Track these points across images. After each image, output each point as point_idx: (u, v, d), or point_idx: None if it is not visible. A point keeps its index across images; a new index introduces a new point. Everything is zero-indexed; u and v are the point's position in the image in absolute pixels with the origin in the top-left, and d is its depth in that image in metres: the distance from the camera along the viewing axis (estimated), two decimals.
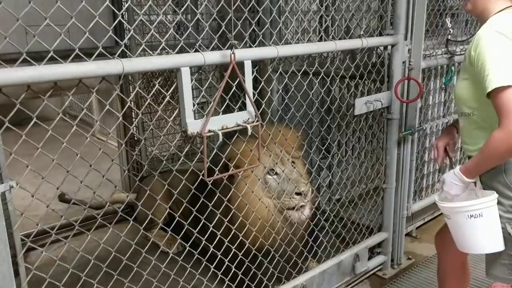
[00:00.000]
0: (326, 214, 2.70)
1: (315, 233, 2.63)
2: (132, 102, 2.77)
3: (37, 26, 1.38)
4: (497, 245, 1.74)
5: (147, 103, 1.66)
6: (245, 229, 2.22)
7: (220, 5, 2.20)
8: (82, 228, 1.99)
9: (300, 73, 2.23)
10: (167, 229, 2.63)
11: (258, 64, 2.97)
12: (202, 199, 2.04)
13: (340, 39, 2.43)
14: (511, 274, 1.80)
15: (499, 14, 1.73)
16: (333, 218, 2.75)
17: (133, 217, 1.93)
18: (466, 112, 1.83)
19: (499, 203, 1.72)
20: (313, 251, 2.57)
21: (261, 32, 2.08)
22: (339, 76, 2.58)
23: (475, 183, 1.81)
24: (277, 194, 2.38)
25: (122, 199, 3.19)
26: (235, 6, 1.81)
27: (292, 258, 2.45)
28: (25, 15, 1.32)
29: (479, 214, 1.68)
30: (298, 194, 2.35)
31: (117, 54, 1.61)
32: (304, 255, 2.53)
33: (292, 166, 2.45)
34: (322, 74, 2.41)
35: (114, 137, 3.52)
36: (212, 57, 1.77)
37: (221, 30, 1.90)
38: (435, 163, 2.11)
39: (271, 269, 2.33)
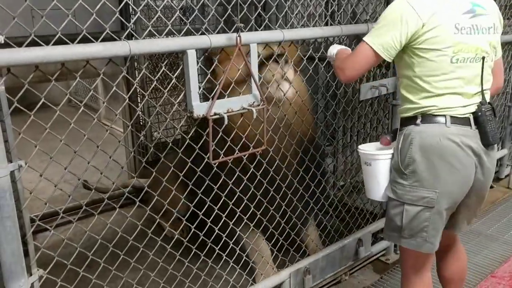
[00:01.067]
0: (330, 199, 2.71)
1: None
2: (138, 86, 2.78)
3: (43, 9, 1.40)
4: (378, 195, 1.96)
5: (153, 85, 1.67)
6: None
7: None
8: (90, 210, 2.01)
9: (306, 57, 2.23)
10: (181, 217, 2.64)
11: None
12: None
13: (346, 24, 2.44)
14: (389, 233, 1.94)
15: None
16: (337, 204, 2.77)
17: (139, 199, 1.94)
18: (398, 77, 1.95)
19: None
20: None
21: (267, 16, 2.08)
22: None
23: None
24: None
25: (141, 186, 3.21)
26: None
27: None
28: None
29: (369, 163, 1.95)
30: (274, 62, 2.18)
31: (123, 37, 1.62)
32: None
33: None
34: (327, 59, 2.40)
35: (120, 118, 3.53)
36: (218, 39, 1.77)
37: (226, 15, 1.90)
38: None
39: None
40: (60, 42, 1.41)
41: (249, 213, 2.23)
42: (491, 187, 3.39)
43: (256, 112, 1.91)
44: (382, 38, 1.73)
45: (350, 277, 2.74)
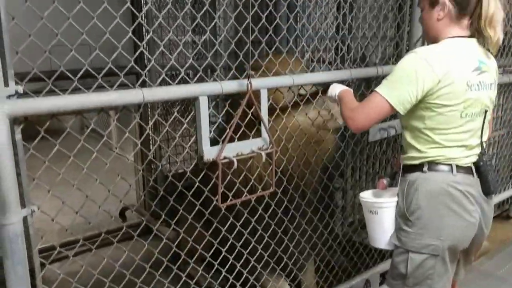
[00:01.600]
0: (338, 238, 2.70)
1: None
2: (151, 129, 2.83)
3: (60, 46, 1.45)
4: (384, 243, 1.94)
5: (165, 130, 1.71)
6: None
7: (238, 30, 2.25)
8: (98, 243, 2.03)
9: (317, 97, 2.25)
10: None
11: None
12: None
13: (356, 65, 2.47)
14: (392, 281, 1.93)
15: (447, 39, 1.78)
16: (345, 243, 2.76)
17: (151, 237, 1.96)
18: (402, 127, 1.93)
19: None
20: None
21: (278, 39, 2.15)
22: None
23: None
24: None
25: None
26: (252, 37, 1.87)
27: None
28: (51, 36, 1.39)
29: (375, 212, 1.92)
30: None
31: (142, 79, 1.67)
32: None
33: None
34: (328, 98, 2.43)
35: (131, 159, 3.58)
36: (230, 86, 1.81)
37: (238, 61, 1.95)
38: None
39: None
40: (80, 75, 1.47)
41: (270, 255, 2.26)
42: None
43: (265, 155, 1.95)
44: (398, 91, 1.72)
45: None
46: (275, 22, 2.10)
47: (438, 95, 1.71)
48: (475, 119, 1.80)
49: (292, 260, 2.42)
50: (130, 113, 1.74)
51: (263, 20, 1.97)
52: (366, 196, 2.02)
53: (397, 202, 1.89)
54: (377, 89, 1.76)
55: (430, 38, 1.86)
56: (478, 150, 1.85)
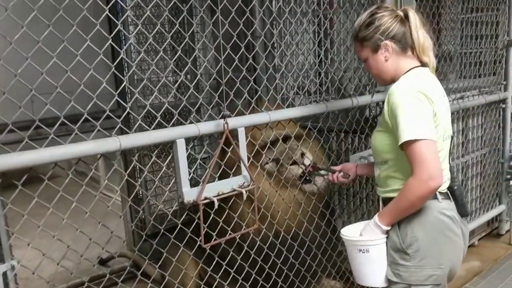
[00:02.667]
0: (327, 270, 2.69)
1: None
2: (137, 170, 2.84)
3: (43, 94, 1.48)
4: (378, 281, 1.87)
5: (144, 175, 1.73)
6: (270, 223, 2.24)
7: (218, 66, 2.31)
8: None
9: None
10: None
11: None
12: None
13: (334, 95, 2.53)
14: None
15: (409, 72, 1.83)
16: (335, 274, 2.75)
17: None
18: (379, 162, 1.91)
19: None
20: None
21: (260, 89, 2.24)
22: (333, 132, 2.65)
23: None
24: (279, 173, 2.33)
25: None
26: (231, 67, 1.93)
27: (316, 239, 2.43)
28: (32, 83, 1.42)
29: (367, 250, 1.85)
30: (292, 164, 2.30)
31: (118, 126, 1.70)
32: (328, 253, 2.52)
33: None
34: (315, 130, 2.48)
35: (117, 200, 3.57)
36: (206, 127, 1.85)
37: (214, 102, 2.00)
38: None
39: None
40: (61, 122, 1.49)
41: None
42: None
43: (246, 193, 1.97)
44: (424, 124, 1.68)
45: None
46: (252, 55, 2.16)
47: (434, 120, 1.75)
48: (447, 143, 1.86)
49: None
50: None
51: (237, 58, 2.02)
52: (349, 234, 1.95)
53: (387, 236, 1.85)
54: (407, 137, 1.67)
55: (387, 80, 1.90)
56: (449, 175, 1.89)
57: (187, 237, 1.94)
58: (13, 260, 1.44)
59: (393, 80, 1.87)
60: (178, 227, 1.91)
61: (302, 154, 2.34)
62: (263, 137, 2.22)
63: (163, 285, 1.98)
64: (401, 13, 1.85)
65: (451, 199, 1.86)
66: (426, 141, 1.66)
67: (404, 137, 1.67)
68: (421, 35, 1.83)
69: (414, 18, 1.84)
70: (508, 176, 3.94)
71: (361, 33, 1.85)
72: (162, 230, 1.89)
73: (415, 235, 1.79)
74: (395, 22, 1.82)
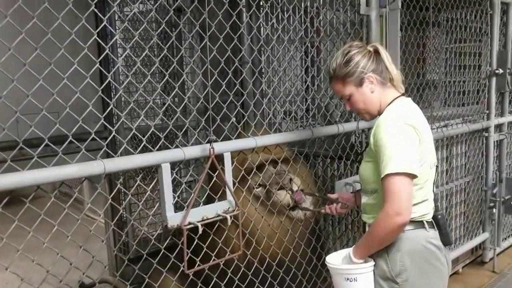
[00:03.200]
0: None
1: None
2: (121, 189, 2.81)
3: (28, 114, 1.47)
4: None
5: (128, 198, 1.71)
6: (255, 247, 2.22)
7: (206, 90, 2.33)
8: None
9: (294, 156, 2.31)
10: None
11: None
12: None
13: (320, 121, 2.56)
14: None
15: (393, 103, 1.87)
16: None
17: None
18: (368, 191, 1.92)
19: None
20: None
21: (247, 114, 2.27)
22: (319, 157, 2.66)
23: None
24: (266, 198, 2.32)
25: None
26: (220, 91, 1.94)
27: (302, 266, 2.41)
28: (17, 104, 1.41)
29: (354, 279, 1.82)
30: (278, 189, 2.28)
31: (107, 140, 1.69)
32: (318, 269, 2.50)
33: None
34: (301, 156, 2.50)
35: (101, 222, 3.52)
36: (192, 152, 1.85)
37: (200, 126, 2.00)
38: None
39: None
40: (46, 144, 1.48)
41: None
42: None
43: (231, 218, 1.95)
44: (407, 158, 1.69)
45: None
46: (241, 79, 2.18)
47: (421, 150, 1.77)
48: (433, 172, 1.88)
49: None
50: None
51: (224, 83, 2.04)
52: (335, 262, 1.94)
53: (375, 265, 1.85)
54: (387, 171, 1.69)
55: (373, 113, 1.92)
56: (432, 204, 1.91)
57: (170, 262, 1.91)
58: None
59: (379, 113, 1.89)
60: (162, 252, 1.89)
61: (290, 180, 2.34)
62: (249, 162, 2.22)
63: None
64: (371, 49, 1.89)
65: (435, 228, 1.88)
66: (403, 177, 1.68)
67: (386, 171, 1.70)
68: (394, 68, 1.90)
69: (385, 53, 1.90)
70: (491, 204, 3.98)
71: (342, 71, 1.87)
72: (145, 255, 1.85)
73: (404, 263, 1.79)
74: (370, 57, 1.87)
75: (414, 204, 1.79)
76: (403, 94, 1.92)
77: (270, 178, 2.30)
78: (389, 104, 1.87)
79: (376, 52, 1.88)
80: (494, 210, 3.98)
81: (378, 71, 1.86)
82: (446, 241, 1.90)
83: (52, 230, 1.54)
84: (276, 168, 2.33)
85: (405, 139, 1.72)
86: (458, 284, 3.71)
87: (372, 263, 1.85)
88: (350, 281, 1.83)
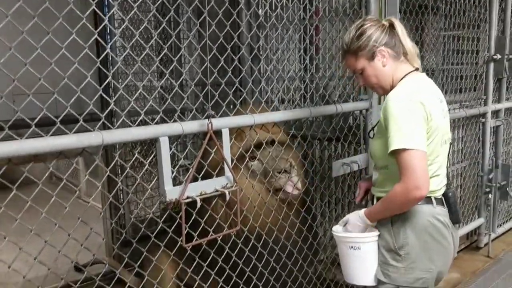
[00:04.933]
0: (308, 276, 2.68)
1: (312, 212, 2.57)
2: (118, 163, 2.80)
3: (22, 94, 1.45)
4: (368, 279, 1.88)
5: (126, 172, 1.71)
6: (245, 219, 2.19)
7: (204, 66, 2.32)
8: None
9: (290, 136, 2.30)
10: None
11: None
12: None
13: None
14: None
15: (405, 78, 1.87)
16: (315, 280, 2.74)
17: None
18: (380, 166, 1.94)
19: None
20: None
21: (245, 91, 2.25)
22: (317, 139, 2.66)
23: None
24: (264, 176, 2.34)
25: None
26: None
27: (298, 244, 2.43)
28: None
29: (358, 247, 1.86)
30: (279, 172, 2.31)
31: (101, 121, 1.68)
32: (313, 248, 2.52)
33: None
34: (299, 137, 2.49)
35: (102, 190, 3.51)
36: (190, 126, 1.84)
37: (199, 102, 2.00)
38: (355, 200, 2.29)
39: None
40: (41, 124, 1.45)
41: None
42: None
43: (230, 194, 1.95)
44: (414, 133, 1.70)
45: None
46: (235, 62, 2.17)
47: (430, 126, 1.77)
48: (446, 147, 1.88)
49: None
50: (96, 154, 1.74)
51: (222, 61, 2.02)
52: (340, 230, 1.96)
53: (379, 235, 1.87)
54: (397, 146, 1.70)
55: (386, 87, 1.90)
56: (445, 181, 1.92)
57: (168, 237, 1.92)
58: None
59: (391, 87, 1.89)
60: (159, 227, 1.89)
61: (291, 165, 2.35)
62: (247, 140, 2.22)
63: (141, 286, 1.93)
64: (386, 23, 1.89)
65: (445, 205, 1.88)
66: (414, 151, 1.68)
67: (393, 146, 1.71)
68: (409, 42, 1.89)
69: (400, 26, 1.89)
70: (487, 190, 4.01)
71: (354, 45, 1.87)
72: (141, 232, 1.86)
73: (407, 237, 1.81)
74: (384, 31, 1.86)
75: None
76: (417, 69, 1.91)
77: (266, 157, 2.30)
78: (401, 79, 1.86)
79: (391, 26, 1.88)
80: (489, 195, 4.01)
81: (391, 44, 1.86)
82: (455, 219, 1.90)
83: (50, 214, 1.52)
84: (272, 148, 2.33)
85: (411, 115, 1.72)
86: (453, 269, 3.73)
87: (376, 233, 1.87)
88: (354, 249, 1.87)
